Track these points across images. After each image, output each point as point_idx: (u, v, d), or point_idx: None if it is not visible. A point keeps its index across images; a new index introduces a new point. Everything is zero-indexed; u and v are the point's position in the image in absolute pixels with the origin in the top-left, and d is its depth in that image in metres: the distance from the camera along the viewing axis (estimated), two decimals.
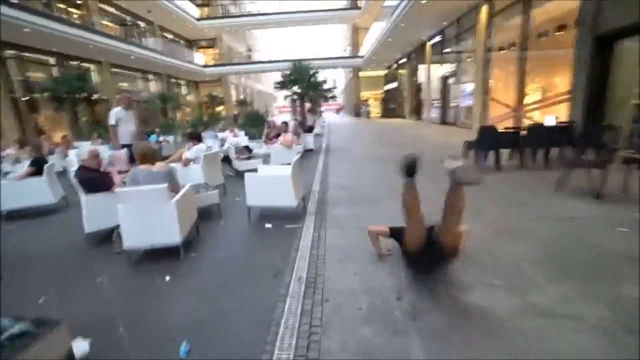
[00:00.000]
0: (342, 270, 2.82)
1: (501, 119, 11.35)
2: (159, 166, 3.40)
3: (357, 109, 29.79)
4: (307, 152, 9.64)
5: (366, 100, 31.92)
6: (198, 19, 24.49)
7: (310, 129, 10.72)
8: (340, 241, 3.40)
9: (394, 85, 27.01)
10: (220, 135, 9.87)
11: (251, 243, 3.69)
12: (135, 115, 6.24)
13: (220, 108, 28.67)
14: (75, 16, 17.32)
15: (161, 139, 9.10)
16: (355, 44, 28.29)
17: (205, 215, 4.46)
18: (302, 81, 9.74)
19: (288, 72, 10.02)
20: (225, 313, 2.39)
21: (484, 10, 11.39)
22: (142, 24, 22.25)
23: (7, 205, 4.74)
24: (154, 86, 23.62)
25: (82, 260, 3.44)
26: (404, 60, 23.62)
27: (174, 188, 3.48)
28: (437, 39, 16.61)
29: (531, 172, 5.83)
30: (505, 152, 6.52)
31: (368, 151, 9.38)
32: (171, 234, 3.16)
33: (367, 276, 2.69)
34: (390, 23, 15.38)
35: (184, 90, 27.76)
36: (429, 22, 14.62)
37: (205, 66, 26.25)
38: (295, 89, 9.99)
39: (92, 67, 18.41)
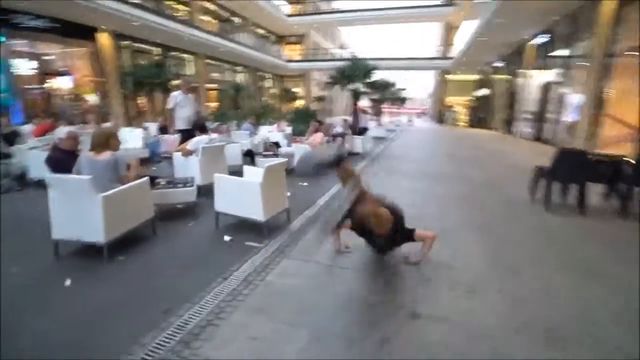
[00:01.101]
0: (254, 327, 1.98)
1: (615, 141, 8.65)
2: (104, 155, 3.00)
3: (441, 115, 27.08)
4: (351, 156, 8.68)
5: (451, 106, 28.84)
6: (289, 15, 25.04)
7: (362, 131, 9.71)
8: (292, 280, 2.54)
9: (485, 92, 23.66)
10: (269, 128, 9.59)
11: (193, 256, 3.05)
12: (194, 101, 6.03)
13: (299, 102, 29.13)
14: (182, 13, 19.17)
15: (212, 126, 9.18)
16: (448, 44, 25.64)
17: (180, 213, 4.01)
18: (357, 78, 8.78)
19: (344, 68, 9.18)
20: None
21: (608, 2, 8.70)
22: (237, 20, 23.71)
23: None
24: (241, 77, 25.10)
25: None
26: (499, 64, 20.36)
27: (121, 179, 3.06)
28: (543, 38, 13.64)
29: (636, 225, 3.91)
30: (596, 188, 4.65)
31: (430, 165, 7.99)
32: (96, 232, 2.72)
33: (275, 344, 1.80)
34: (485, 19, 13.13)
35: (267, 83, 28.94)
36: (533, 16, 11.96)
37: (289, 61, 26.85)
38: (350, 86, 9.08)
39: (189, 57, 20.33)
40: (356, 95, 9.33)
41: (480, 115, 24.46)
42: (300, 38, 28.56)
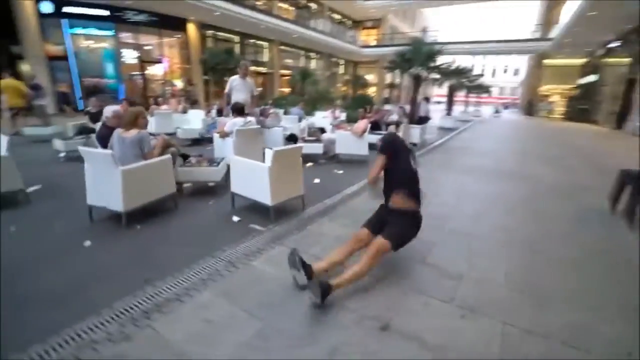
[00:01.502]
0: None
1: None
2: (131, 132, 3.26)
3: (530, 106, 23.60)
4: None
5: (546, 95, 24.84)
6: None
7: (422, 120, 8.93)
8: (275, 270, 2.47)
9: (592, 78, 19.72)
10: (323, 114, 9.49)
11: (199, 232, 3.13)
12: (251, 86, 5.89)
13: (372, 90, 28.32)
14: (261, 2, 19.94)
15: (271, 111, 9.46)
16: (549, 23, 21.93)
17: (210, 191, 4.21)
18: (417, 62, 7.98)
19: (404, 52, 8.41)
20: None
21: None
22: (314, 6, 23.79)
23: None
24: (315, 64, 25.36)
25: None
26: (616, 43, 16.64)
27: (146, 155, 3.31)
28: None
29: None
30: None
31: (496, 161, 6.98)
32: (117, 202, 3.01)
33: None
34: None
35: (342, 69, 28.71)
36: None
37: (364, 47, 26.13)
38: (411, 71, 8.31)
39: (265, 44, 21.23)
40: (417, 80, 8.55)
41: (581, 107, 20.59)
42: (377, 22, 27.49)
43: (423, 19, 35.07)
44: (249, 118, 4.95)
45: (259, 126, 5.01)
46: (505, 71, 50.39)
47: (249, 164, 3.34)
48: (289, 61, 23.06)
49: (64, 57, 13.52)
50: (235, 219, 3.38)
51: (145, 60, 15.63)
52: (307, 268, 2.18)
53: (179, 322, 1.90)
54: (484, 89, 19.35)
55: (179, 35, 16.25)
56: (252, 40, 20.09)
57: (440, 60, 8.74)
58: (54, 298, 2.14)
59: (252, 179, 3.32)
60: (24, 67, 12.38)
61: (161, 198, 3.40)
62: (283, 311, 2.00)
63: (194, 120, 7.89)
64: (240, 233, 3.06)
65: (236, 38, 19.25)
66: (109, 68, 14.68)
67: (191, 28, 16.31)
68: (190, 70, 16.77)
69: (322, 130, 6.60)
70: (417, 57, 7.75)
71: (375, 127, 7.99)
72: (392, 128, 7.76)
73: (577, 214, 3.91)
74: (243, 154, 4.63)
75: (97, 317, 1.89)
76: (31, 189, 4.05)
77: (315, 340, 1.77)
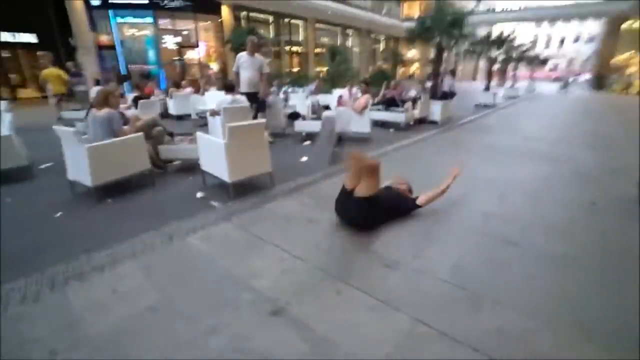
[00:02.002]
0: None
1: None
2: (102, 112, 3.37)
3: (600, 79, 20.45)
4: (425, 125, 7.50)
5: (626, 66, 21.28)
6: None
7: (445, 95, 8.13)
8: (208, 247, 2.43)
9: None
10: (341, 91, 9.09)
11: (161, 207, 3.16)
12: (259, 63, 5.42)
13: (415, 66, 26.70)
14: None
15: (289, 89, 9.33)
16: None
17: (191, 169, 4.26)
18: (441, 31, 7.10)
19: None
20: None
21: None
22: None
23: None
24: (352, 41, 24.43)
25: None
26: None
27: (118, 132, 3.41)
28: None
29: None
30: None
31: (527, 141, 6.15)
32: (85, 177, 3.17)
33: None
34: None
35: (383, 45, 27.33)
36: None
37: (406, 20, 24.46)
38: (434, 41, 7.43)
39: (300, 23, 20.84)
40: (439, 51, 7.72)
41: None
42: None
43: None
44: (237, 96, 4.89)
45: (247, 104, 4.90)
46: (576, 40, 43.90)
47: (210, 141, 3.29)
48: (325, 39, 22.45)
49: (112, 46, 14.62)
50: (199, 195, 3.39)
51: (183, 45, 16.26)
52: None
53: (90, 290, 1.96)
54: (539, 61, 17.09)
55: (214, 19, 16.55)
56: (286, 20, 19.83)
57: (492, 30, 7.77)
58: (4, 257, 2.31)
59: (214, 156, 3.28)
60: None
61: (134, 174, 3.51)
62: (188, 290, 1.95)
63: (210, 102, 8.05)
64: (197, 209, 3.06)
65: (270, 18, 19.15)
66: (151, 54, 15.58)
67: (225, 10, 16.50)
68: (225, 53, 17.12)
69: (327, 107, 6.33)
70: (439, 24, 6.94)
71: (391, 103, 7.52)
72: (408, 105, 7.25)
73: (604, 202, 3.28)
74: None
75: (25, 279, 2.01)
76: (42, 166, 4.46)
77: (200, 320, 1.69)
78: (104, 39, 14.58)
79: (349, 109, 5.53)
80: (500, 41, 10.40)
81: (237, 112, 4.78)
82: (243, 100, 4.90)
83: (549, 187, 3.73)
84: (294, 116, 5.91)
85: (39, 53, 13.94)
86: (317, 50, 21.63)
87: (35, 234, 2.72)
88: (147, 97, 6.18)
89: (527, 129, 7.47)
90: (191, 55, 16.88)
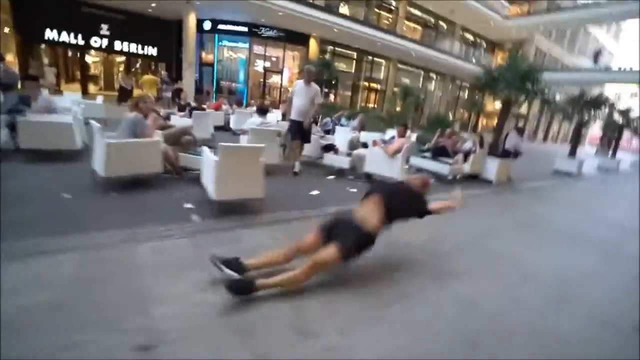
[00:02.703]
0: None
1: None
2: (131, 114, 3.75)
3: None
4: (476, 183, 6.70)
5: None
6: (506, 17, 21.40)
7: (507, 154, 7.16)
8: (148, 260, 2.43)
9: None
10: (393, 132, 8.75)
11: (147, 211, 3.30)
12: (314, 92, 5.24)
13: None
14: (385, 20, 20.08)
15: (337, 122, 9.36)
16: None
17: None
18: (508, 83, 6.30)
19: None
20: None
21: None
22: (444, 25, 22.41)
23: None
24: (434, 85, 23.87)
25: None
26: None
27: (140, 135, 3.74)
28: None
29: None
30: None
31: (618, 232, 5.14)
32: (101, 167, 3.52)
33: None
34: None
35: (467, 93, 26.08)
36: None
37: None
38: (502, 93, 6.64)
39: (383, 62, 21.21)
40: (505, 105, 6.89)
41: None
42: (518, 44, 23.84)
43: (590, 40, 28.56)
44: (268, 119, 5.01)
45: (275, 128, 4.99)
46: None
47: (208, 157, 3.36)
48: (406, 80, 22.36)
49: (211, 64, 16.81)
50: (187, 206, 3.45)
51: (269, 70, 17.82)
52: (233, 265, 2.14)
53: (10, 271, 2.04)
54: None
55: (301, 49, 17.83)
56: (369, 57, 20.39)
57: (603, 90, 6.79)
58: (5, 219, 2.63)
59: (208, 172, 3.34)
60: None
61: (144, 174, 3.77)
62: (82, 298, 1.89)
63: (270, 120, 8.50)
64: (176, 218, 3.11)
65: (355, 54, 19.91)
66: (241, 74, 17.42)
67: (312, 43, 17.68)
68: None
69: (365, 145, 6.10)
70: (508, 76, 6.26)
71: (442, 152, 6.95)
72: (459, 157, 6.62)
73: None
74: None
75: None
76: None
77: (60, 333, 1.63)
78: (206, 57, 16.87)
79: (382, 151, 5.22)
80: (597, 102, 8.94)
81: (263, 134, 4.90)
82: (273, 124, 5.02)
83: (593, 295, 2.88)
84: (328, 148, 5.81)
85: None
86: (396, 89, 21.63)
87: (41, 207, 3.04)
88: (203, 109, 6.80)
89: (604, 211, 6.10)
90: (275, 79, 18.39)
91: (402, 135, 5.35)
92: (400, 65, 21.32)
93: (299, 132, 5.26)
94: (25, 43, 13.95)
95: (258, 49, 17.11)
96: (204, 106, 7.33)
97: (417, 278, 2.63)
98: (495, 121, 25.17)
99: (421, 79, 23.19)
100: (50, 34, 14.12)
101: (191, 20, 14.54)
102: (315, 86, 5.26)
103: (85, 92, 15.67)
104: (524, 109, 25.45)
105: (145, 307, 1.88)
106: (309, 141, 5.53)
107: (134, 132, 3.70)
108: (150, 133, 3.84)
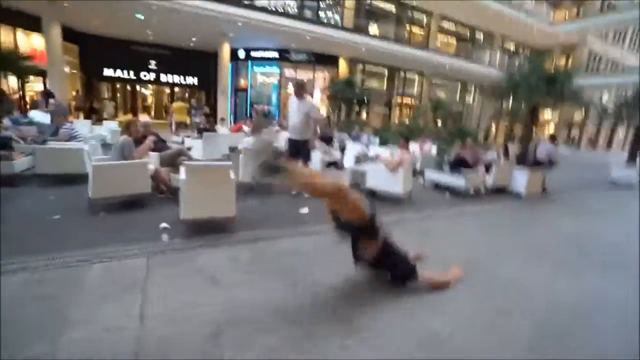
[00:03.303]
0: None
1: None
2: (121, 138, 3.92)
3: None
4: (504, 196, 5.95)
5: None
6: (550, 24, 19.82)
7: (537, 164, 6.26)
8: (95, 279, 2.38)
9: None
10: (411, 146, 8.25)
11: (127, 229, 3.33)
12: (308, 107, 4.82)
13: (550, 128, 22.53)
14: (417, 35, 19.67)
15: (372, 139, 9.07)
16: None
17: None
18: (532, 86, 5.50)
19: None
20: None
21: None
22: (481, 36, 21.36)
23: None
24: (472, 98, 22.61)
25: None
26: None
27: (128, 157, 3.86)
28: None
29: None
30: None
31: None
32: (89, 189, 3.67)
33: None
34: None
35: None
36: None
37: None
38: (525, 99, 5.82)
39: (416, 77, 20.64)
40: (532, 112, 6.07)
41: None
42: (567, 49, 21.83)
43: None
44: (263, 137, 4.95)
45: (269, 146, 4.90)
46: None
47: (180, 176, 3.34)
48: (441, 94, 21.49)
49: (245, 89, 17.67)
50: (164, 225, 3.42)
51: None
52: None
53: None
54: None
55: (331, 69, 18.03)
56: (401, 73, 20.00)
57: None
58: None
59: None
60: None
61: (134, 194, 3.86)
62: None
63: (281, 141, 8.55)
64: (148, 238, 3.08)
65: (385, 71, 19.68)
66: (273, 97, 18.03)
67: (342, 63, 17.83)
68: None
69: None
70: (531, 80, 5.55)
71: (462, 164, 6.35)
72: (480, 169, 6.00)
73: None
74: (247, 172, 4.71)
75: None
76: None
77: None
78: (241, 83, 17.79)
79: (383, 166, 4.88)
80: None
81: (254, 153, 4.83)
82: (266, 141, 4.94)
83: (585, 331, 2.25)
84: (334, 164, 5.58)
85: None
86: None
87: (13, 227, 3.15)
88: (214, 130, 7.01)
89: None
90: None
91: (404, 147, 4.95)
92: (435, 81, 20.60)
93: (297, 150, 4.94)
94: (88, 81, 15.91)
95: (289, 72, 17.64)
96: (215, 128, 7.59)
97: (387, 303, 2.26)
98: (545, 130, 23.05)
99: (458, 92, 22.14)
100: (107, 72, 15.97)
101: (225, 51, 15.52)
102: (309, 100, 4.91)
103: None
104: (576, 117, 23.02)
105: (58, 331, 1.79)
106: (309, 159, 5.18)
107: (122, 154, 3.84)
108: (140, 155, 3.96)
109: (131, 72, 16.47)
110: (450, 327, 2.09)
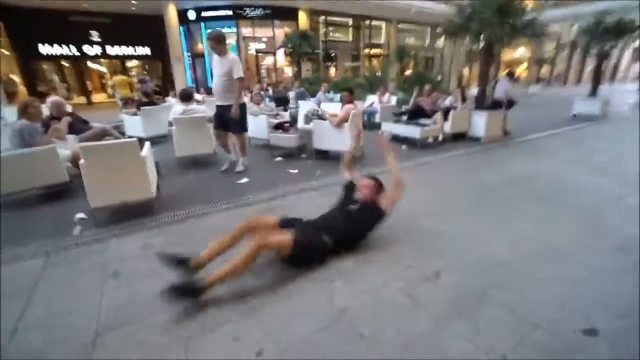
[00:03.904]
0: None
1: None
2: (17, 122, 3.40)
3: None
4: (463, 142, 5.77)
5: None
6: None
7: (497, 105, 6.03)
8: None
9: None
10: (373, 97, 7.83)
11: (41, 224, 3.00)
12: (229, 65, 3.90)
13: (522, 67, 22.28)
14: None
15: (329, 95, 8.52)
16: None
17: None
18: (485, 20, 5.05)
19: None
20: None
21: None
22: None
23: None
24: (444, 42, 21.73)
25: None
26: None
27: (31, 144, 3.36)
28: None
29: None
30: None
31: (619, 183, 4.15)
32: None
33: None
34: None
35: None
36: None
37: None
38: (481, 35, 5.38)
39: (383, 24, 19.50)
40: (487, 48, 5.67)
41: None
42: None
43: None
44: (192, 106, 4.45)
45: (200, 114, 4.39)
46: None
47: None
48: (410, 40, 20.52)
49: (202, 55, 16.29)
50: (79, 216, 3.06)
51: (262, 51, 17.00)
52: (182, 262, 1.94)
53: None
54: None
55: (291, 24, 16.74)
56: (367, 22, 18.82)
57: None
58: None
59: None
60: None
61: (47, 185, 3.44)
62: None
63: None
64: (60, 232, 2.74)
65: (350, 21, 18.46)
66: None
67: (302, 15, 16.53)
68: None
69: (321, 118, 5.36)
70: (484, 13, 5.07)
71: (420, 113, 6.06)
72: (437, 117, 5.72)
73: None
74: (187, 145, 4.28)
75: None
76: None
77: None
78: (197, 48, 16.36)
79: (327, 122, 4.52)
80: (621, 29, 7.28)
81: (189, 123, 4.37)
82: (198, 110, 4.45)
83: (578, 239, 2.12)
84: (280, 127, 5.16)
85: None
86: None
87: None
88: (153, 104, 6.31)
89: (618, 162, 4.91)
90: (267, 61, 17.56)
91: (348, 102, 4.56)
92: (400, 26, 19.53)
93: (223, 119, 4.13)
94: (24, 62, 14.22)
95: (247, 30, 16.30)
96: (166, 100, 6.90)
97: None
98: (517, 69, 22.69)
99: (428, 37, 21.21)
100: (44, 49, 14.26)
101: (171, 12, 14.03)
102: (231, 56, 3.96)
103: (89, 103, 16.01)
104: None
105: None
106: (241, 130, 4.26)
107: (23, 142, 3.33)
108: (46, 140, 3.46)
109: (72, 47, 14.78)
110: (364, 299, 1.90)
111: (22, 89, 13.97)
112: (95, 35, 15.09)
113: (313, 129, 4.65)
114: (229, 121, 4.08)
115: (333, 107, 5.42)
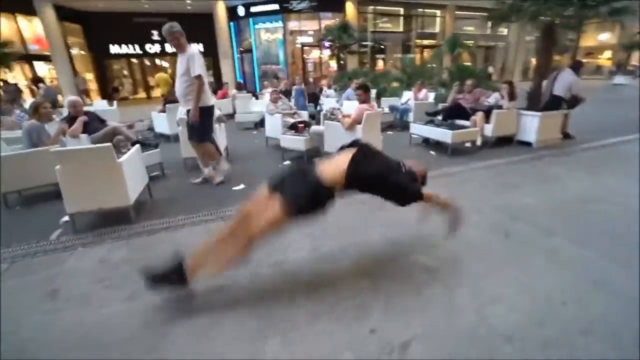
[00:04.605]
0: None
1: None
2: (28, 122, 3.48)
3: None
4: (511, 148, 4.81)
5: None
6: None
7: (555, 104, 4.82)
8: None
9: None
10: (407, 94, 6.99)
11: (29, 225, 3.03)
12: (188, 63, 3.37)
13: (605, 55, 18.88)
14: None
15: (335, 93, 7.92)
16: None
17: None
18: (541, 3, 3.90)
19: None
20: None
21: None
22: None
23: None
24: (509, 31, 19.28)
25: None
26: None
27: (39, 144, 3.43)
28: None
29: None
30: None
31: None
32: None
33: None
34: None
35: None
36: None
37: None
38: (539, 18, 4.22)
39: (437, 12, 17.86)
40: (547, 34, 4.47)
41: None
42: None
43: None
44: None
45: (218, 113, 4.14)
46: None
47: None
48: (469, 28, 18.54)
49: (250, 50, 16.51)
50: (64, 219, 3.01)
51: (308, 45, 16.69)
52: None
53: None
54: None
55: (338, 16, 16.11)
56: (419, 10, 17.41)
57: None
58: None
59: None
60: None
61: (46, 185, 3.48)
62: None
63: (261, 105, 7.72)
64: (41, 236, 2.72)
65: (401, 10, 17.24)
66: (280, 55, 16.73)
67: (349, 6, 15.81)
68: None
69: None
70: None
71: (459, 113, 5.23)
72: (477, 117, 4.88)
73: None
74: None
75: None
76: None
77: None
78: (245, 43, 16.63)
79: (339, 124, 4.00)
80: None
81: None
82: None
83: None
84: (294, 127, 4.77)
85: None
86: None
87: None
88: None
89: None
90: (314, 55, 17.17)
91: (363, 101, 3.96)
92: (457, 13, 17.69)
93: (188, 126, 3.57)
94: (98, 61, 15.81)
95: (293, 25, 16.07)
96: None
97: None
98: (602, 56, 19.30)
99: (489, 25, 18.92)
100: (114, 49, 15.67)
101: (220, 9, 14.35)
102: (190, 51, 3.36)
103: (149, 97, 17.27)
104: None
105: None
106: (200, 139, 3.60)
107: (31, 142, 3.41)
108: (54, 140, 3.51)
109: (136, 47, 16.03)
110: None
111: (92, 86, 15.50)
112: (155, 34, 16.13)
113: (324, 130, 4.17)
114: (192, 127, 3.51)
115: (348, 105, 4.88)
